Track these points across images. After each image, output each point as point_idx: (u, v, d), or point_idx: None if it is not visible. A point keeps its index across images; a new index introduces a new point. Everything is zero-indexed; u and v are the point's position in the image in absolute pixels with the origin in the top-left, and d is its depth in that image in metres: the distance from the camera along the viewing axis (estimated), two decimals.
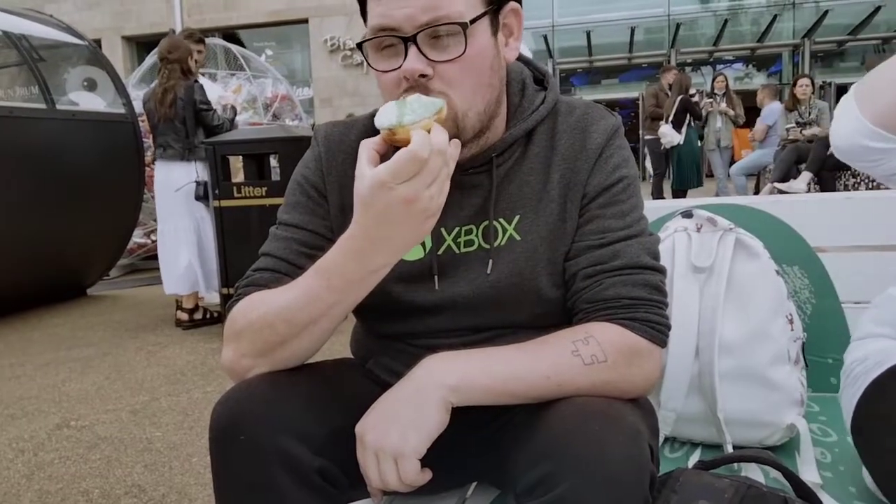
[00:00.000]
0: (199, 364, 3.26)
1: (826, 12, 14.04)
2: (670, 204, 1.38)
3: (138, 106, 5.79)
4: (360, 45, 0.82)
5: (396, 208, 0.69)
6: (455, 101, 0.80)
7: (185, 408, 2.67)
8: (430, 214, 0.71)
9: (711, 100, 7.72)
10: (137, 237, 6.04)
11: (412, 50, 0.77)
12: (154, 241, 6.28)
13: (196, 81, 3.94)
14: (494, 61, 0.83)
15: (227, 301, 0.95)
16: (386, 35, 0.78)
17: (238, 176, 4.15)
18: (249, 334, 0.81)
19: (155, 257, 6.43)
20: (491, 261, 0.86)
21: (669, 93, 7.51)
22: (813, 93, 6.96)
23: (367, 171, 0.70)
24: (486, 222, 0.88)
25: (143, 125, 5.70)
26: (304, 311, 0.78)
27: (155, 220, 6.17)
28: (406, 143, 0.70)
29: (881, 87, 0.87)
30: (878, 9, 13.72)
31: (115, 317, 4.48)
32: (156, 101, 3.91)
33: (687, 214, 1.22)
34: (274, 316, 0.79)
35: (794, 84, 6.90)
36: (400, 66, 0.78)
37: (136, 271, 6.43)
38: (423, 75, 0.78)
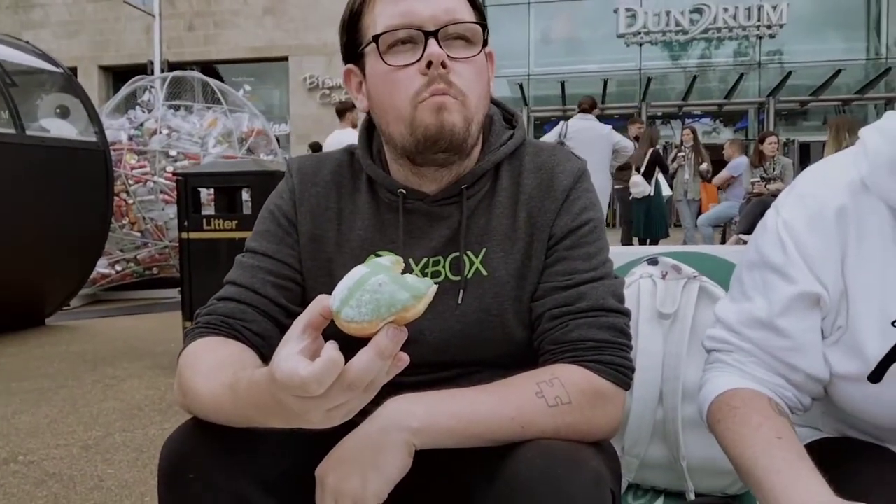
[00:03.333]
0: (158, 399, 3.16)
1: (790, 73, 14.66)
2: (636, 250, 1.40)
3: (111, 135, 5.76)
4: (376, 39, 0.83)
5: (278, 409, 0.61)
6: (470, 100, 0.83)
7: (140, 444, 2.58)
8: (320, 425, 0.61)
9: (683, 153, 7.94)
10: (102, 267, 5.91)
11: (432, 41, 0.81)
12: (118, 272, 6.16)
13: None
14: (488, 81, 0.89)
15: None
16: (409, 28, 0.81)
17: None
18: (192, 401, 0.77)
19: (118, 288, 6.34)
20: (462, 291, 0.86)
21: (636, 144, 7.71)
22: (778, 149, 7.22)
23: (284, 349, 0.59)
24: (454, 254, 0.88)
25: (115, 154, 5.67)
26: (225, 413, 0.71)
27: (121, 251, 6.09)
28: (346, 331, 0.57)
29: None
30: (838, 72, 14.38)
31: (72, 348, 4.34)
32: None
33: (653, 261, 1.24)
34: (204, 407, 0.74)
35: (762, 141, 7.11)
36: (419, 59, 0.81)
37: (99, 302, 6.27)
38: (443, 65, 0.80)
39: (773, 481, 0.70)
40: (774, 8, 14.94)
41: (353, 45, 0.89)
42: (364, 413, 0.76)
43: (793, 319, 0.80)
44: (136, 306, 6.02)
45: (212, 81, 6.84)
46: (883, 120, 0.82)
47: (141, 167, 6.08)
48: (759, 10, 15.06)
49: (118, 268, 6.19)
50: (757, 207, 6.69)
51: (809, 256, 0.79)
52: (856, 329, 0.78)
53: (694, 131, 8.25)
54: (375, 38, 0.83)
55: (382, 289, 0.57)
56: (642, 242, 7.52)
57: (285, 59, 15.38)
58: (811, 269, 0.79)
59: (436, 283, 0.86)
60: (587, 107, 6.25)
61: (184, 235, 3.52)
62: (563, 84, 15.43)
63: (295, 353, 0.57)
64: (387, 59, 0.83)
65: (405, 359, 0.59)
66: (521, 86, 15.74)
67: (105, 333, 4.80)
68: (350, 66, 0.91)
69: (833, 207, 0.79)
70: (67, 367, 3.81)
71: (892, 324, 0.76)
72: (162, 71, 9.88)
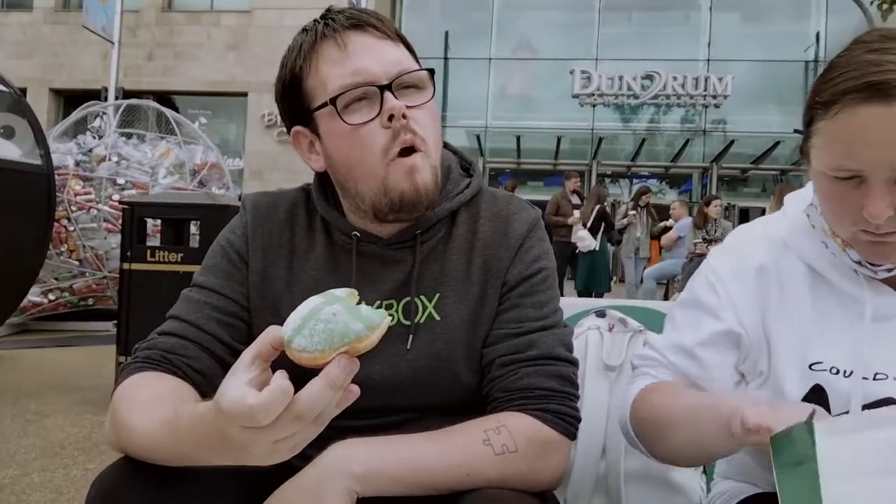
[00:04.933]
0: (83, 438, 2.99)
1: (732, 141, 15.42)
2: (585, 302, 1.42)
3: (57, 159, 5.57)
4: (333, 101, 0.82)
5: (221, 444, 0.60)
6: (430, 145, 0.85)
7: (60, 485, 2.42)
8: (264, 461, 0.60)
9: (634, 212, 8.23)
10: (34, 296, 5.63)
11: (389, 95, 0.81)
12: (51, 301, 5.88)
13: None
14: (440, 123, 0.91)
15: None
16: (364, 85, 0.82)
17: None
18: (125, 439, 0.73)
19: (49, 318, 6.03)
20: (411, 336, 0.86)
21: (571, 199, 7.98)
22: (721, 213, 7.57)
23: (230, 379, 0.58)
24: (407, 298, 0.88)
25: (59, 179, 5.48)
26: (162, 451, 0.69)
27: (56, 279, 5.82)
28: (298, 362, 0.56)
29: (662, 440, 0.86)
30: (777, 143, 15.21)
31: None
32: None
33: (600, 314, 1.26)
34: (139, 444, 0.71)
35: (707, 203, 7.48)
36: (379, 112, 0.81)
37: (27, 332, 5.96)
38: (404, 116, 0.81)
39: (707, 401, 0.80)
40: (720, 80, 15.78)
41: (298, 108, 0.88)
42: (306, 459, 0.74)
43: (711, 352, 0.88)
44: (67, 338, 5.74)
45: (167, 111, 6.74)
46: (803, 189, 0.92)
47: (85, 193, 5.89)
48: (706, 80, 15.87)
49: (51, 297, 5.91)
50: (698, 267, 6.94)
51: (734, 300, 0.88)
52: (778, 375, 0.86)
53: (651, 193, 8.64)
54: (333, 101, 0.83)
55: (336, 318, 0.56)
56: (587, 296, 7.68)
57: (245, 94, 15.33)
58: (735, 313, 0.87)
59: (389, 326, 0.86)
60: (510, 190, 7.86)
61: (125, 266, 3.41)
62: (518, 138, 15.83)
63: (243, 383, 0.56)
64: (346, 118, 0.83)
65: (356, 391, 0.58)
66: (478, 137, 16.07)
67: (31, 365, 4.56)
68: (298, 127, 0.90)
69: (754, 264, 0.88)
70: None
71: (810, 367, 0.84)
72: (117, 98, 9.69)
